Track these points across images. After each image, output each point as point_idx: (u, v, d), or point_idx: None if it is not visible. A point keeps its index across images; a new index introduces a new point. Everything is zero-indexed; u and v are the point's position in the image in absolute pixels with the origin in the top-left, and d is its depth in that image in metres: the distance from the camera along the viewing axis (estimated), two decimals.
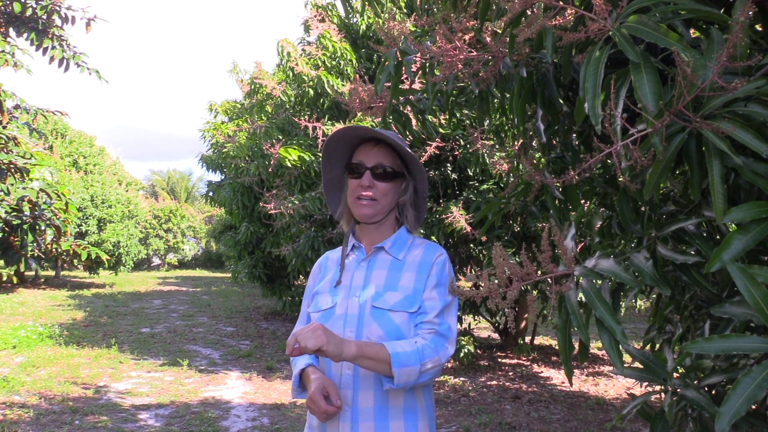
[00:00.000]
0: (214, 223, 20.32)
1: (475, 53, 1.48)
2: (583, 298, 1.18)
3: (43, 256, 4.52)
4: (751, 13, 0.92)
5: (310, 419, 1.44)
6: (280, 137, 5.94)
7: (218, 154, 8.85)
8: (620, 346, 1.10)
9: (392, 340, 1.31)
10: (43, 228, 4.23)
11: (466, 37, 1.53)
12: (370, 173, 1.42)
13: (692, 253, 1.28)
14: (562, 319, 1.16)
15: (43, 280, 15.78)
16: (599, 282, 1.21)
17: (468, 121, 5.28)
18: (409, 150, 1.45)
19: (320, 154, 5.86)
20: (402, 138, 1.46)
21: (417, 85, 2.04)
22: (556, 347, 7.78)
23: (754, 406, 0.93)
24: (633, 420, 4.61)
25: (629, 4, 1.06)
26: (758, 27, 1.33)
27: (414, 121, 2.09)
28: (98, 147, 17.69)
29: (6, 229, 4.11)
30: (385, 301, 1.37)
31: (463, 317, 7.20)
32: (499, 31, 1.55)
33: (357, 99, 1.91)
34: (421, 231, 5.32)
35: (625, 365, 1.31)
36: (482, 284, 1.17)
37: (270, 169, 5.97)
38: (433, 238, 5.34)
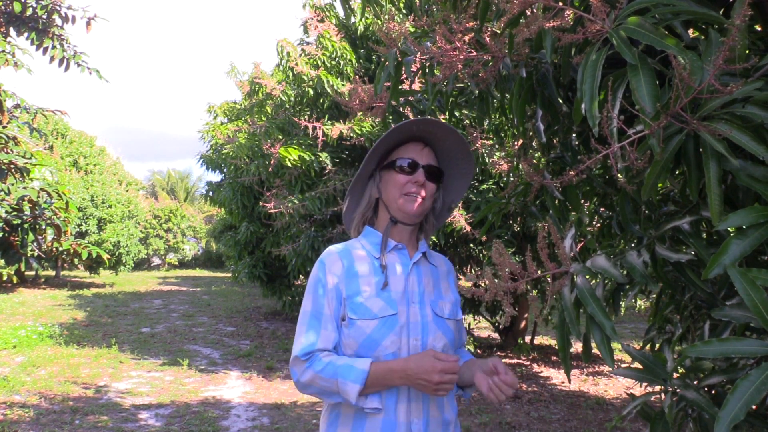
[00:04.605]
0: (214, 223, 20.30)
1: (474, 54, 1.48)
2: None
3: (43, 256, 4.50)
4: (749, 14, 0.92)
5: None
6: (280, 137, 5.94)
7: (218, 155, 8.85)
8: (611, 342, 1.11)
9: (451, 348, 1.36)
10: (43, 227, 4.22)
11: (466, 38, 1.53)
12: (424, 171, 1.35)
13: (692, 253, 1.28)
14: (560, 317, 1.17)
15: (43, 279, 15.79)
16: (596, 280, 1.21)
17: (468, 121, 5.28)
18: (471, 156, 1.42)
19: (320, 154, 5.85)
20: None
21: (417, 86, 2.04)
22: (557, 347, 7.76)
23: (753, 407, 0.93)
24: (633, 420, 4.61)
25: (628, 5, 1.06)
26: (757, 27, 1.33)
27: None
28: (98, 147, 17.70)
29: (6, 228, 4.10)
30: (441, 309, 1.36)
31: (463, 317, 7.21)
32: (499, 32, 1.55)
33: (357, 99, 1.91)
34: None
35: (624, 365, 1.33)
36: (483, 283, 1.17)
37: (270, 169, 5.97)
38: (432, 237, 5.34)
